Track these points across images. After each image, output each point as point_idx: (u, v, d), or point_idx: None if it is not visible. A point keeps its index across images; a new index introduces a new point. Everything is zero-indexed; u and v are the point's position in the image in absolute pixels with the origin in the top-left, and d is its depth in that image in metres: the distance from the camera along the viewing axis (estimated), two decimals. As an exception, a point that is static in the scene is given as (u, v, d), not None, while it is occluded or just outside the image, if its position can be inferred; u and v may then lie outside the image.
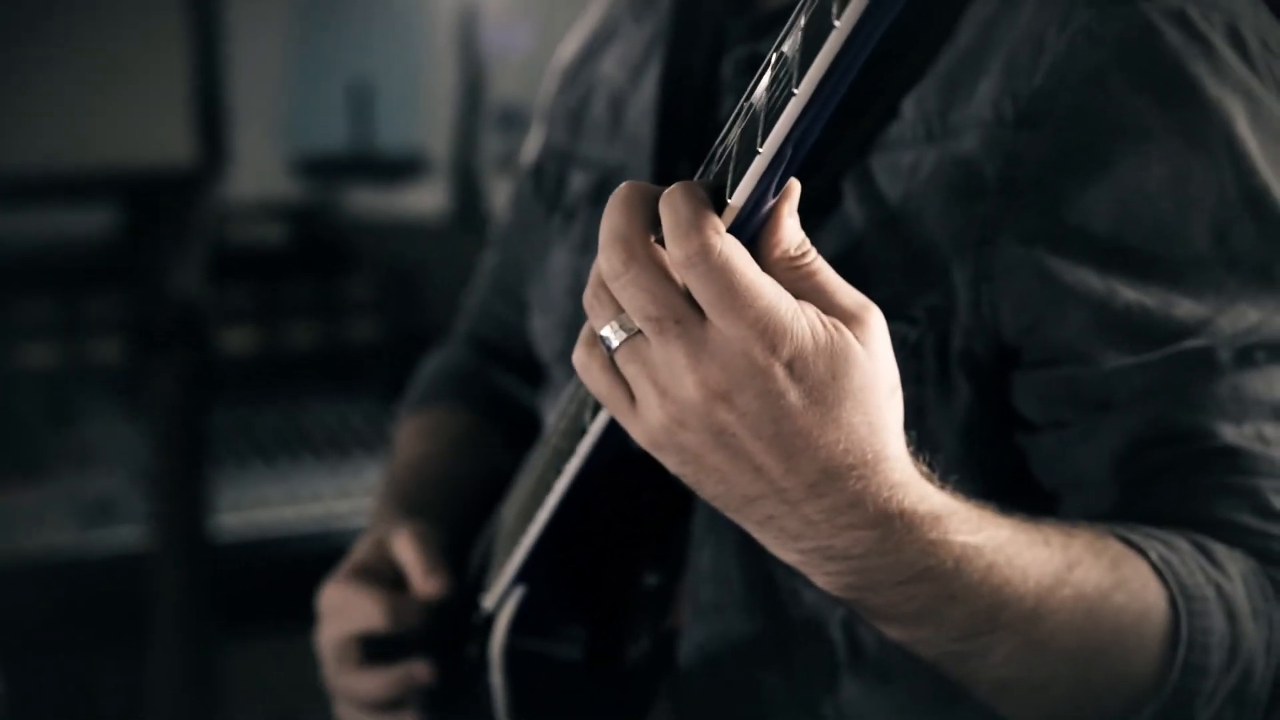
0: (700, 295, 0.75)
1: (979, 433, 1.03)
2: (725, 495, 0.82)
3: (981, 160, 1.00)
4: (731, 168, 0.76)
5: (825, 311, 0.78)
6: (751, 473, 0.79)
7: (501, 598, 1.12)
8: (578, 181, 1.32)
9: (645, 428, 0.80)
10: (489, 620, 1.13)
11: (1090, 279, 0.99)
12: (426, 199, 3.44)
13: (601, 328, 0.79)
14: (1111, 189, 0.99)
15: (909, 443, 0.83)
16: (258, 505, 2.72)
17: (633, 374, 0.79)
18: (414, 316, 3.21)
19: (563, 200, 1.32)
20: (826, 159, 1.04)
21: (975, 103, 1.01)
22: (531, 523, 1.06)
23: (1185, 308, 0.99)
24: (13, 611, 2.54)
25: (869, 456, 0.79)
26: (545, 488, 1.03)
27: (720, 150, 0.79)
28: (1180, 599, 0.93)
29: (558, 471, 1.00)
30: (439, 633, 1.20)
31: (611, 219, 0.77)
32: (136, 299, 2.34)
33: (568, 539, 1.08)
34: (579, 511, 1.04)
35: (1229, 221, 0.99)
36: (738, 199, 0.75)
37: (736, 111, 0.78)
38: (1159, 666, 0.93)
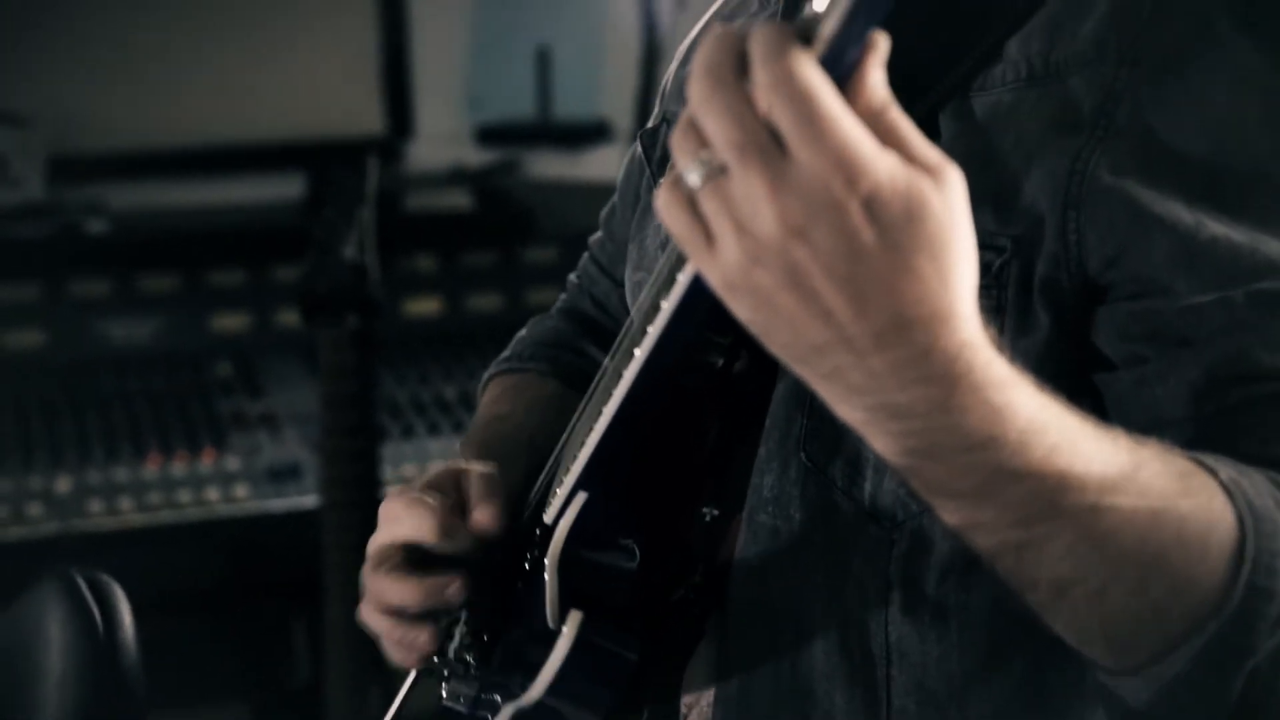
0: (783, 121, 0.76)
1: (1055, 370, 1.00)
2: (794, 344, 0.82)
3: (1081, 96, 1.01)
4: (819, 10, 0.78)
5: (907, 162, 0.78)
6: (821, 318, 0.79)
7: (564, 503, 1.12)
8: None
9: (721, 267, 0.80)
10: (548, 531, 1.14)
11: (1179, 210, 0.98)
12: (610, 165, 3.45)
13: (686, 164, 0.80)
14: (1208, 125, 0.99)
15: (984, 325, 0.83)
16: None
17: (713, 211, 0.79)
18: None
19: (670, 162, 1.32)
20: (927, 94, 1.05)
21: (1079, 41, 1.02)
22: (600, 418, 1.07)
23: (1273, 246, 0.98)
24: (203, 566, 2.64)
25: (938, 309, 0.79)
26: (616, 378, 1.04)
27: (808, 6, 0.80)
28: (1248, 518, 0.91)
29: (630, 357, 1.01)
30: (486, 563, 1.20)
31: (704, 53, 0.79)
32: (312, 267, 2.39)
33: (632, 450, 1.09)
34: (646, 419, 1.05)
35: None
36: (826, 30, 0.76)
37: None
38: (1222, 584, 0.90)
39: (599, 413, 1.08)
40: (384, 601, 1.22)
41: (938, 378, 0.81)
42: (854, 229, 0.76)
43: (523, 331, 1.58)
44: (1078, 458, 0.86)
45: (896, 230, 0.77)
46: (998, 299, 1.02)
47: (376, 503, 2.44)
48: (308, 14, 3.44)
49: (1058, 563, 0.89)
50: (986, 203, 1.02)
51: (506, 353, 1.56)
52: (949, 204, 0.79)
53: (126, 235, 3.14)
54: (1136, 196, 0.99)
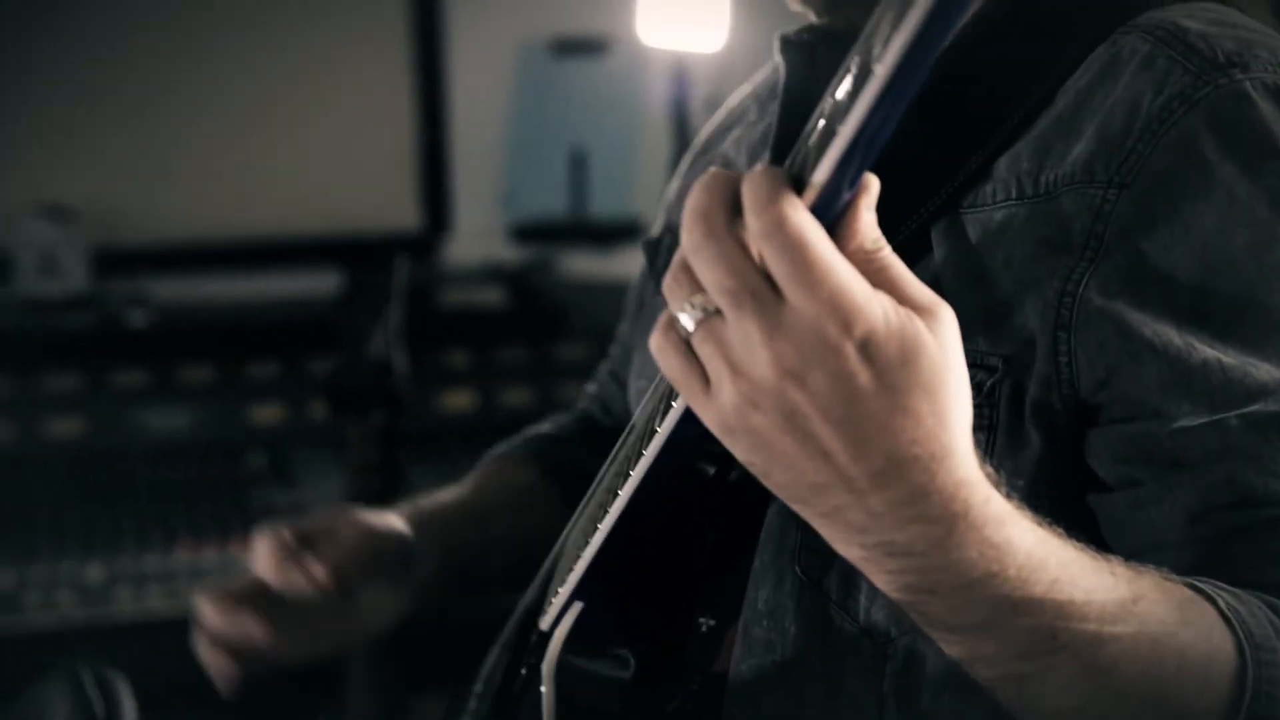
0: (776, 268, 0.77)
1: (1046, 490, 1.02)
2: (792, 484, 0.82)
3: (1070, 217, 1.02)
4: (812, 153, 0.78)
5: (899, 303, 0.79)
6: (819, 458, 0.80)
7: (560, 612, 1.14)
8: None
9: (718, 410, 0.81)
10: (542, 639, 1.15)
11: (1169, 333, 0.99)
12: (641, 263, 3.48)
13: (680, 309, 0.81)
14: (1196, 249, 0.99)
15: (976, 445, 0.83)
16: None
17: (708, 354, 0.80)
18: (626, 379, 3.25)
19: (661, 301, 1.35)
20: (919, 211, 1.07)
21: (1068, 163, 1.03)
22: (596, 533, 1.08)
23: (1264, 370, 0.98)
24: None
25: (936, 449, 0.80)
26: (612, 495, 1.05)
27: (799, 147, 0.81)
28: (1248, 646, 0.91)
29: (625, 476, 1.02)
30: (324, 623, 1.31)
31: (695, 198, 0.79)
32: (340, 362, 2.43)
33: (628, 561, 1.09)
34: (642, 532, 1.06)
35: None
36: (818, 177, 0.77)
37: (818, 111, 0.81)
38: (1223, 714, 0.90)
39: (595, 527, 1.08)
40: (199, 616, 1.31)
41: (936, 516, 0.81)
42: (850, 372, 0.77)
43: (531, 427, 1.63)
44: (1077, 591, 0.86)
45: (892, 372, 0.78)
46: (989, 418, 1.02)
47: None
48: (348, 112, 3.50)
49: (1059, 694, 0.89)
50: (978, 321, 1.02)
51: (504, 444, 1.59)
52: (943, 343, 0.80)
53: (167, 327, 3.19)
54: (1127, 319, 0.99)
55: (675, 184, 1.46)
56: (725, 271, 0.78)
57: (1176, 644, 0.89)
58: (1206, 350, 0.98)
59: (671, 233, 1.41)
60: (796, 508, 0.85)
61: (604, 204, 3.59)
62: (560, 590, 1.15)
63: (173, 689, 1.56)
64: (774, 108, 1.29)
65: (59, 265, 3.19)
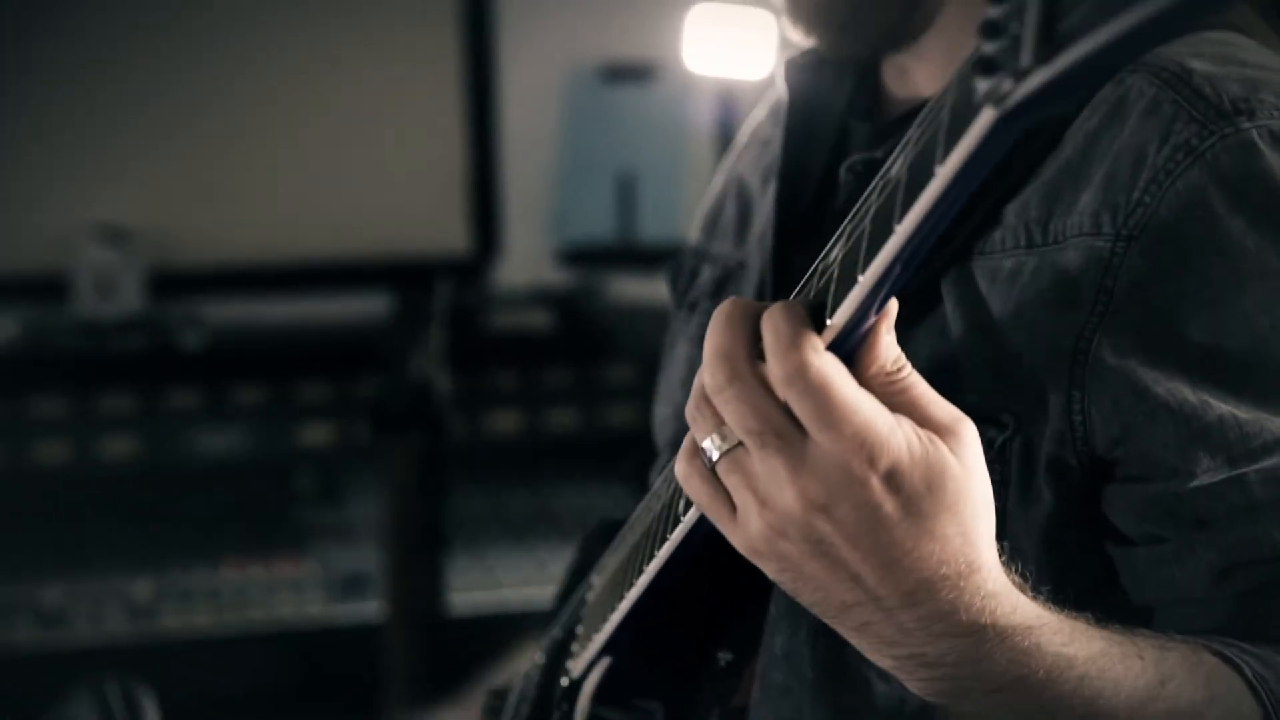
0: (799, 411, 0.77)
1: (1059, 543, 1.02)
2: (823, 602, 0.84)
3: (1079, 271, 1.00)
4: (832, 290, 0.79)
5: (920, 425, 0.80)
6: (849, 581, 0.81)
7: (588, 667, 1.16)
8: (704, 276, 1.36)
9: (745, 536, 0.82)
10: (573, 687, 1.17)
11: (1183, 391, 0.97)
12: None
13: (703, 439, 0.82)
14: (1206, 305, 0.97)
15: (1000, 553, 0.84)
16: (516, 583, 2.83)
17: (734, 484, 0.82)
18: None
19: (690, 295, 1.37)
20: (928, 262, 1.03)
21: (1076, 213, 1.01)
22: (623, 599, 1.09)
23: (1277, 424, 0.97)
24: (272, 674, 2.69)
25: (963, 567, 0.81)
26: (637, 569, 1.06)
27: (823, 267, 0.82)
28: (1275, 716, 0.91)
29: (651, 555, 1.03)
30: None
31: (715, 336, 0.80)
32: (383, 384, 2.47)
33: (653, 615, 1.11)
34: (666, 591, 1.07)
35: None
36: (837, 320, 0.78)
37: (840, 231, 0.81)
38: None
39: (621, 593, 1.09)
40: None
41: (965, 630, 0.83)
42: (876, 503, 0.78)
43: None
44: (1106, 684, 0.87)
45: (918, 500, 0.79)
46: (1001, 474, 1.01)
47: (440, 615, 2.51)
48: (399, 136, 3.54)
49: None
50: (987, 376, 1.01)
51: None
52: (965, 463, 0.80)
53: (219, 348, 3.24)
54: (1140, 378, 0.98)
55: (707, 203, 1.47)
56: (749, 413, 0.79)
57: None
58: (1221, 406, 0.97)
59: (692, 255, 1.41)
60: (828, 621, 0.86)
61: (651, 228, 3.61)
62: (589, 645, 1.17)
63: (214, 705, 1.59)
64: (779, 132, 1.29)
65: (115, 287, 3.24)
